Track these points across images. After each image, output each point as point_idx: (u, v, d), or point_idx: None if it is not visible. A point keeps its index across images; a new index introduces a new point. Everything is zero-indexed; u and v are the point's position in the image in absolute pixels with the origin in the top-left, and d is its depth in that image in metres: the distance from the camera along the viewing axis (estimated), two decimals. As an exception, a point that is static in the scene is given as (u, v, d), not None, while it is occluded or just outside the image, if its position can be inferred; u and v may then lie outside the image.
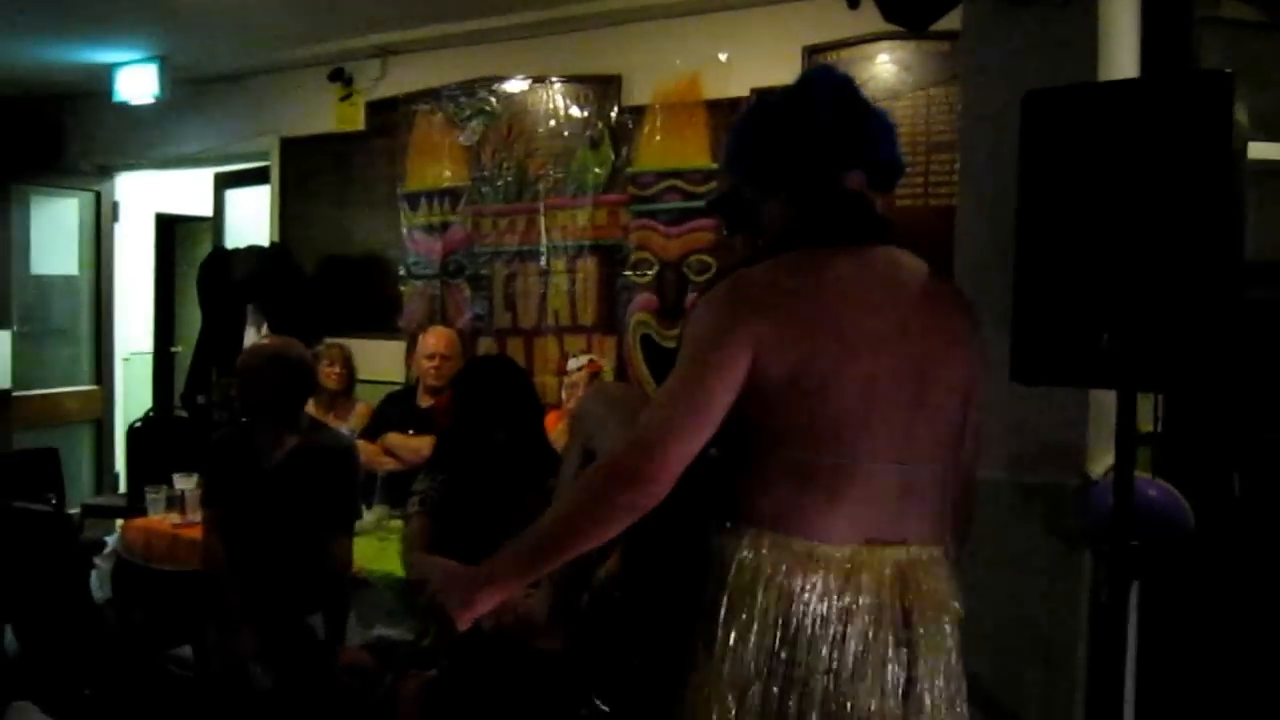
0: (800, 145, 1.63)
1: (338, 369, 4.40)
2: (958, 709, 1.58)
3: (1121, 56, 2.46)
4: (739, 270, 1.61)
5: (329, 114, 5.28)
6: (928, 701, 1.54)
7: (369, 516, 3.77)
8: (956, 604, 1.59)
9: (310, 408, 4.28)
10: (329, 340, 4.59)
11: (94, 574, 4.07)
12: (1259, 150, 2.32)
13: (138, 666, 2.92)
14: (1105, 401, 2.57)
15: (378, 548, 3.53)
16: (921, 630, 1.54)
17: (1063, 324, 2.07)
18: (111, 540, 4.85)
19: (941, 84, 3.71)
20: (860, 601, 1.50)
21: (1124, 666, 2.23)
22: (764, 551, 1.52)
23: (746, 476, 1.57)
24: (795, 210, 1.62)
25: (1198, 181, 1.89)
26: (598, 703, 2.51)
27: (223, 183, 6.21)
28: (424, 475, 2.80)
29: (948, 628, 1.58)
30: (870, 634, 1.50)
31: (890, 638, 1.51)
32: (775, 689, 1.49)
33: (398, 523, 3.70)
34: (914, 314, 1.59)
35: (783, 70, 3.99)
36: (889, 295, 1.58)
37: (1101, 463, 2.52)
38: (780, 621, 1.49)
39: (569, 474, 1.96)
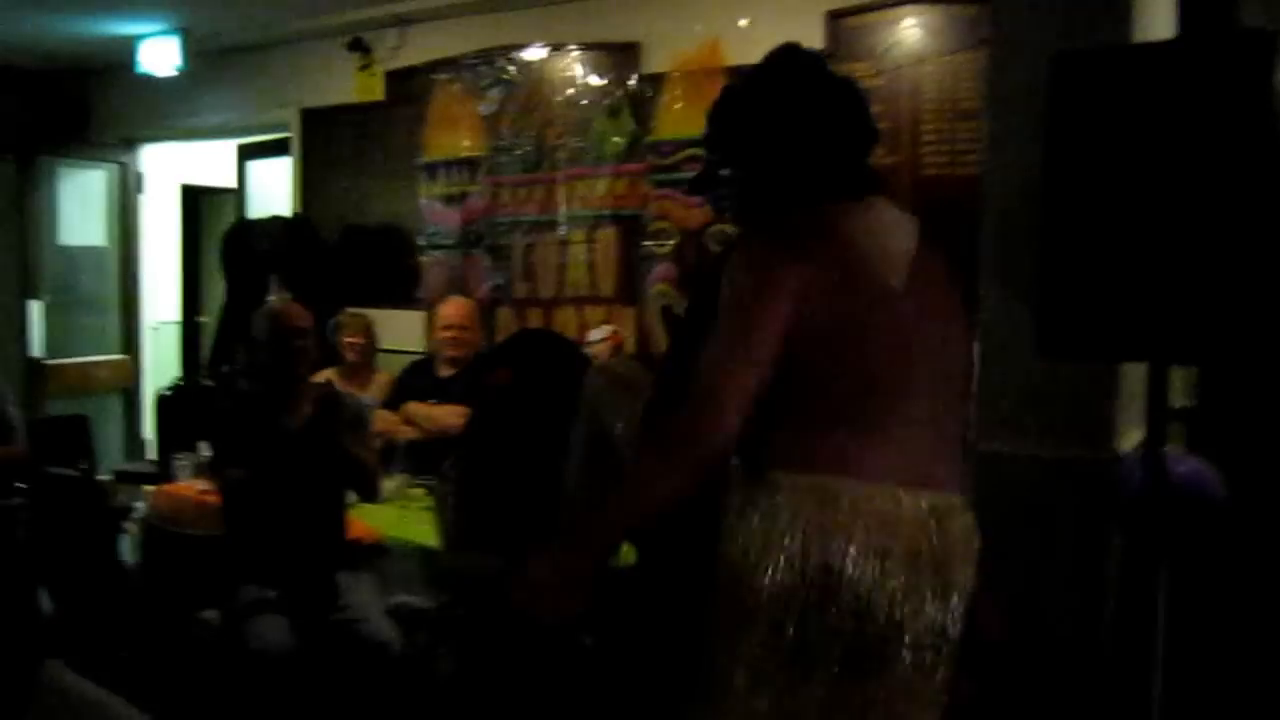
0: (780, 118, 1.65)
1: (360, 339, 4.34)
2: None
3: (1158, 17, 2.34)
4: (764, 226, 1.62)
5: (348, 84, 5.18)
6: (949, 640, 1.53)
7: (389, 484, 3.74)
8: (978, 547, 1.58)
9: (332, 376, 4.30)
10: (351, 310, 4.52)
11: (124, 538, 4.08)
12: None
13: (166, 629, 2.90)
14: (1135, 375, 2.47)
15: (398, 515, 3.50)
16: (953, 574, 1.52)
17: (1091, 296, 1.97)
18: (140, 506, 4.87)
19: (968, 50, 3.57)
20: (897, 545, 1.47)
21: (1155, 644, 2.16)
22: (798, 493, 1.49)
23: (778, 424, 1.52)
24: (790, 175, 1.63)
25: (1237, 147, 1.78)
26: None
27: (245, 154, 6.15)
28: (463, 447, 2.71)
29: (971, 574, 1.57)
30: (906, 577, 1.48)
31: (928, 582, 1.49)
32: (808, 630, 1.47)
33: (419, 490, 3.70)
34: (923, 264, 1.60)
35: (806, 35, 3.85)
36: (901, 245, 1.59)
37: (1130, 438, 2.43)
38: (815, 562, 1.46)
39: (577, 455, 1.91)
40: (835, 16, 3.83)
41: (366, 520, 3.41)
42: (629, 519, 1.57)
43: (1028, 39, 2.30)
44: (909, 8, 3.71)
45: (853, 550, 1.45)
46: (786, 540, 1.47)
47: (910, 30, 3.72)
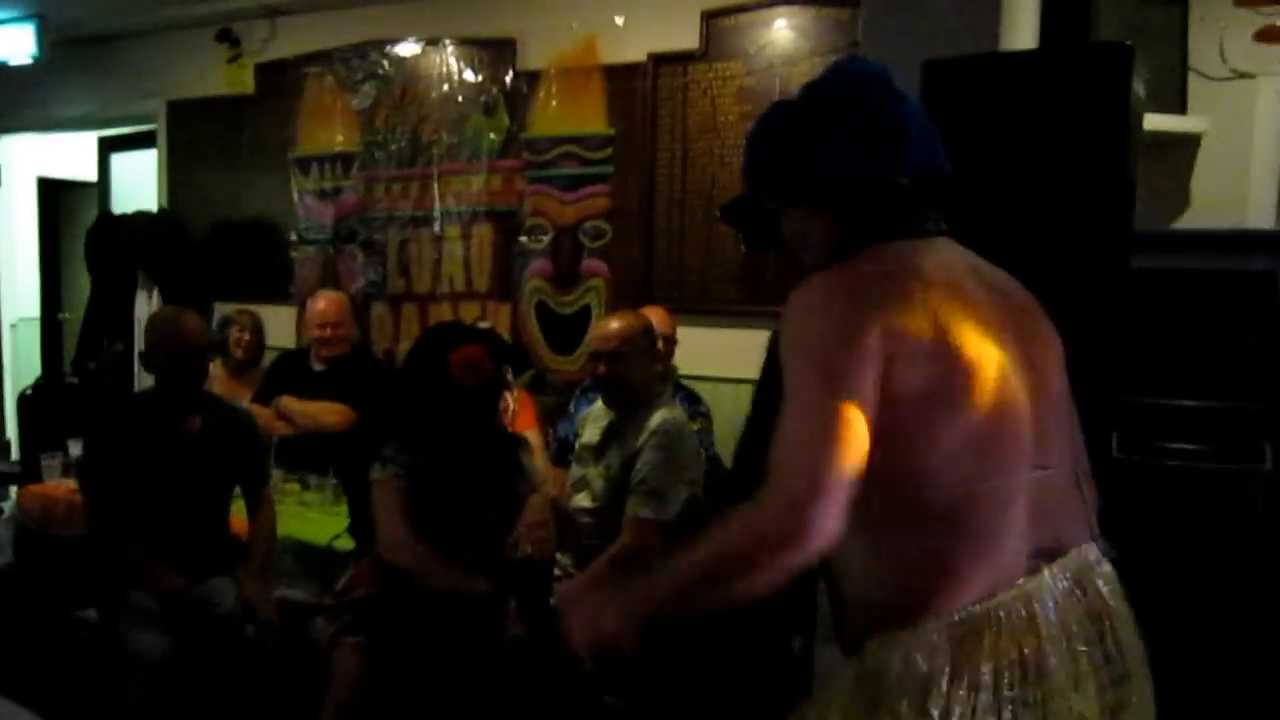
0: (824, 150, 1.32)
1: (248, 335, 4.09)
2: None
3: (1022, 28, 2.33)
4: (823, 273, 1.28)
5: (217, 76, 4.86)
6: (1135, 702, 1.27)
7: (262, 483, 3.53)
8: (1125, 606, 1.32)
9: (219, 373, 4.04)
10: (240, 307, 4.26)
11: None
12: (1154, 122, 2.22)
13: (44, 630, 2.68)
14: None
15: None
16: (1119, 629, 1.28)
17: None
18: (7, 507, 4.50)
19: (839, 51, 3.54)
20: (1045, 633, 1.20)
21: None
22: (903, 649, 1.20)
23: (864, 550, 1.24)
24: (836, 212, 1.33)
25: (1095, 152, 1.77)
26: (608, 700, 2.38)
27: (107, 146, 5.75)
28: (394, 444, 2.51)
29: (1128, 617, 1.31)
30: (1066, 657, 1.21)
31: (1095, 654, 1.24)
32: None
33: (293, 486, 3.54)
34: (1003, 300, 1.31)
35: (681, 34, 3.79)
36: (977, 281, 1.29)
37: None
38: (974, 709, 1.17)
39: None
40: (710, 16, 3.76)
41: (242, 516, 3.19)
42: (694, 602, 1.25)
43: (895, 46, 2.26)
44: (782, 9, 3.65)
45: (1006, 676, 1.18)
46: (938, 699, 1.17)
47: (782, 31, 3.67)
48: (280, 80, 4.71)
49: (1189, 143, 2.56)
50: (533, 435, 3.34)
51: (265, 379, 3.97)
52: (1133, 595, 1.32)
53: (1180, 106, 2.57)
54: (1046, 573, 1.22)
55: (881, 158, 1.31)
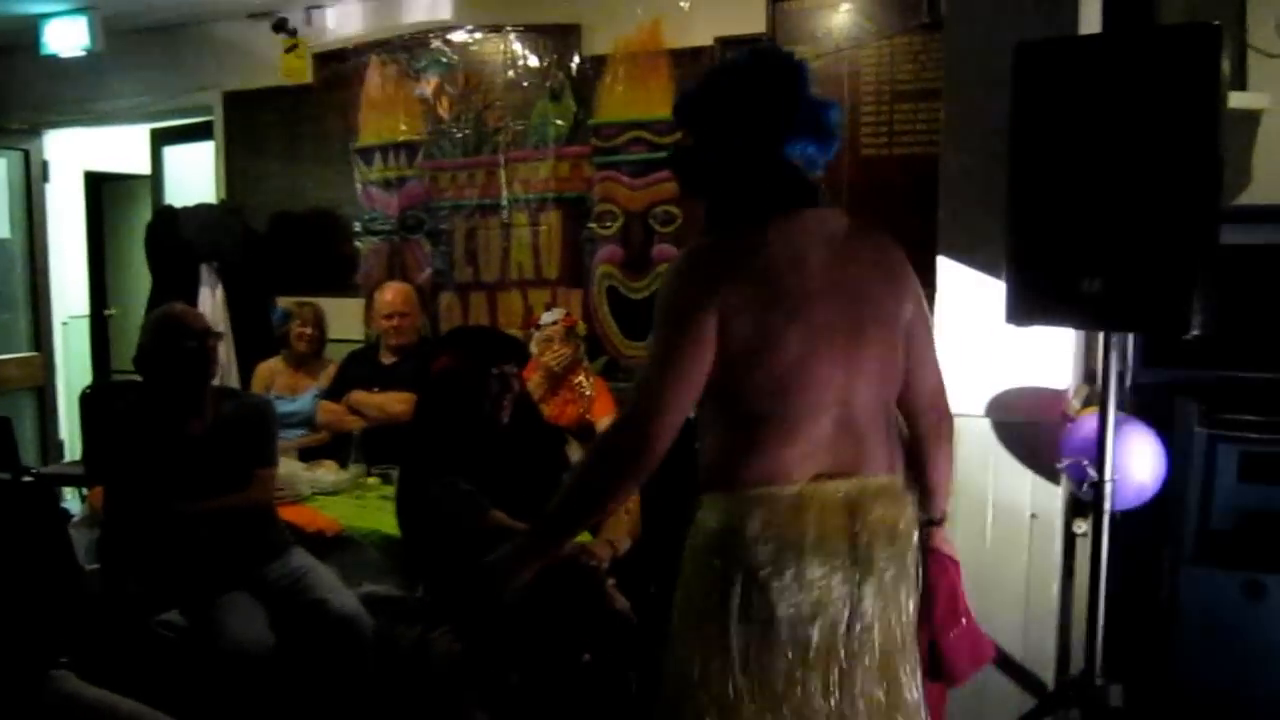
0: (753, 112, 1.73)
1: (309, 329, 4.30)
2: (896, 632, 1.72)
3: (1087, 6, 2.53)
4: (695, 243, 1.76)
5: (274, 66, 5.09)
6: (876, 628, 1.68)
7: (345, 475, 3.77)
8: (904, 526, 1.72)
9: (280, 366, 4.30)
10: (301, 300, 4.48)
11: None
12: (1237, 100, 2.42)
13: (129, 633, 2.89)
14: (1077, 344, 2.68)
15: (356, 506, 3.54)
16: (871, 555, 1.67)
17: (1054, 268, 2.16)
18: (77, 509, 4.75)
19: (905, 33, 3.75)
20: (809, 536, 1.64)
21: (1098, 604, 2.35)
22: (719, 510, 1.68)
23: (704, 439, 1.74)
24: (738, 181, 1.73)
25: (1186, 131, 1.97)
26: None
27: (160, 139, 6.01)
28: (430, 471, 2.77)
29: (896, 550, 1.71)
30: (822, 567, 1.64)
31: (840, 569, 1.65)
32: (743, 639, 1.64)
33: (374, 480, 3.74)
34: (845, 264, 1.71)
35: (747, 19, 3.99)
36: (822, 252, 1.70)
37: (1070, 404, 2.63)
38: (739, 574, 1.64)
39: None
40: (776, 0, 3.96)
41: (326, 512, 3.45)
42: (568, 522, 1.84)
43: (984, 23, 2.47)
44: (849, -7, 3.85)
45: (770, 552, 1.64)
46: (710, 559, 1.68)
47: (848, 14, 3.87)
48: (340, 69, 4.94)
49: (1250, 119, 2.74)
50: (610, 420, 3.57)
51: (336, 376, 4.19)
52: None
53: (1241, 84, 2.75)
54: (830, 484, 1.67)
55: (757, 146, 1.72)
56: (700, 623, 1.68)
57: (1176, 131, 2.00)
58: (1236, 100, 2.74)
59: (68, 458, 6.21)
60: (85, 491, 4.73)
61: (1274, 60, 2.79)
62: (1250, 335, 2.65)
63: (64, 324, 6.57)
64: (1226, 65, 1.97)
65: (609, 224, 4.39)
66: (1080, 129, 2.08)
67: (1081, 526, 2.68)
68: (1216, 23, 1.91)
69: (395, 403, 3.92)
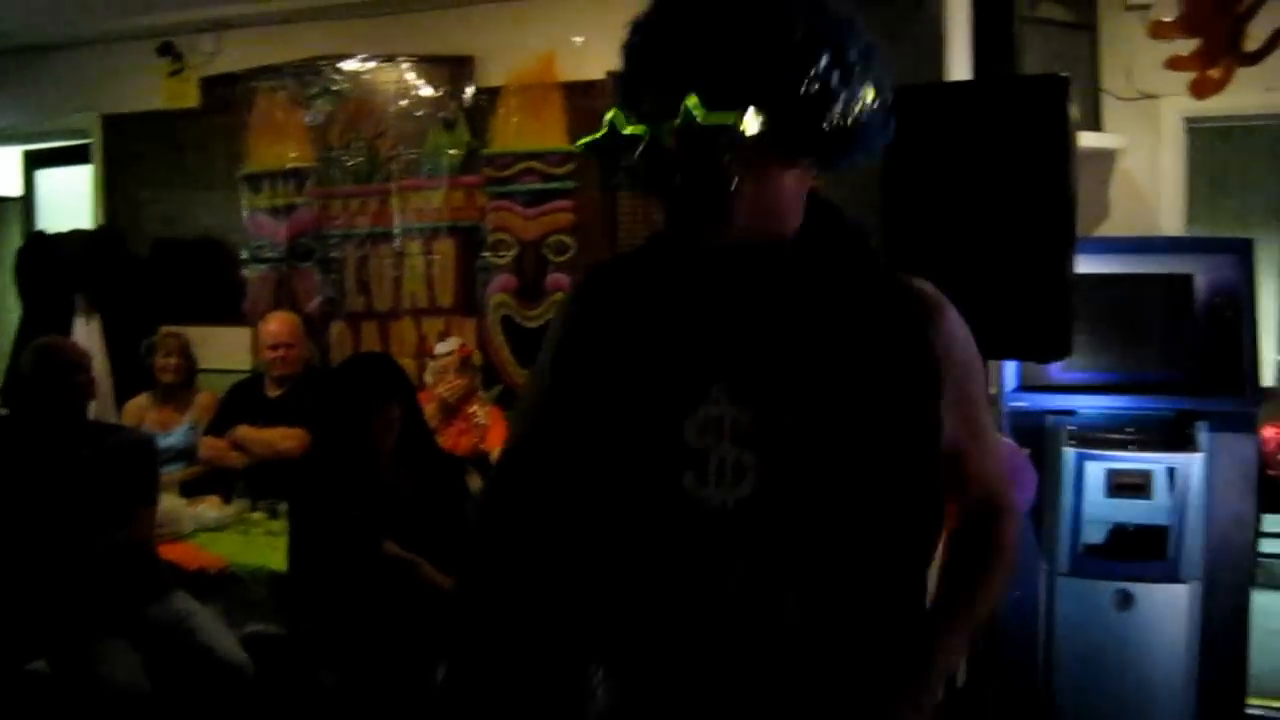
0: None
1: (174, 359, 4.19)
2: None
3: (954, 54, 2.72)
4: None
5: (156, 90, 5.04)
6: None
7: (229, 510, 3.73)
8: None
9: (148, 403, 4.19)
10: (164, 329, 4.36)
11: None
12: (1091, 140, 2.62)
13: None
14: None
15: (243, 542, 3.50)
16: None
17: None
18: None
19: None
20: None
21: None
22: None
23: None
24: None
25: (1041, 170, 2.14)
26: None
27: (33, 161, 5.85)
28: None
29: None
30: None
31: None
32: None
33: (259, 515, 3.70)
34: None
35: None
36: None
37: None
38: None
39: None
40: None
41: (210, 549, 3.40)
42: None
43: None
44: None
45: None
46: None
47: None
48: (227, 95, 4.89)
49: (1105, 158, 2.98)
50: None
51: (219, 409, 4.11)
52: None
53: (1096, 125, 3.00)
54: None
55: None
56: None
57: (1033, 171, 2.16)
58: (1090, 140, 2.97)
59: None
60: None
61: (1126, 103, 3.03)
62: (1108, 355, 2.86)
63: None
64: (1075, 110, 2.15)
65: (503, 253, 4.45)
66: (947, 169, 2.23)
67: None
68: (1064, 74, 2.09)
69: (283, 439, 3.87)
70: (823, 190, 1.27)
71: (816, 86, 1.12)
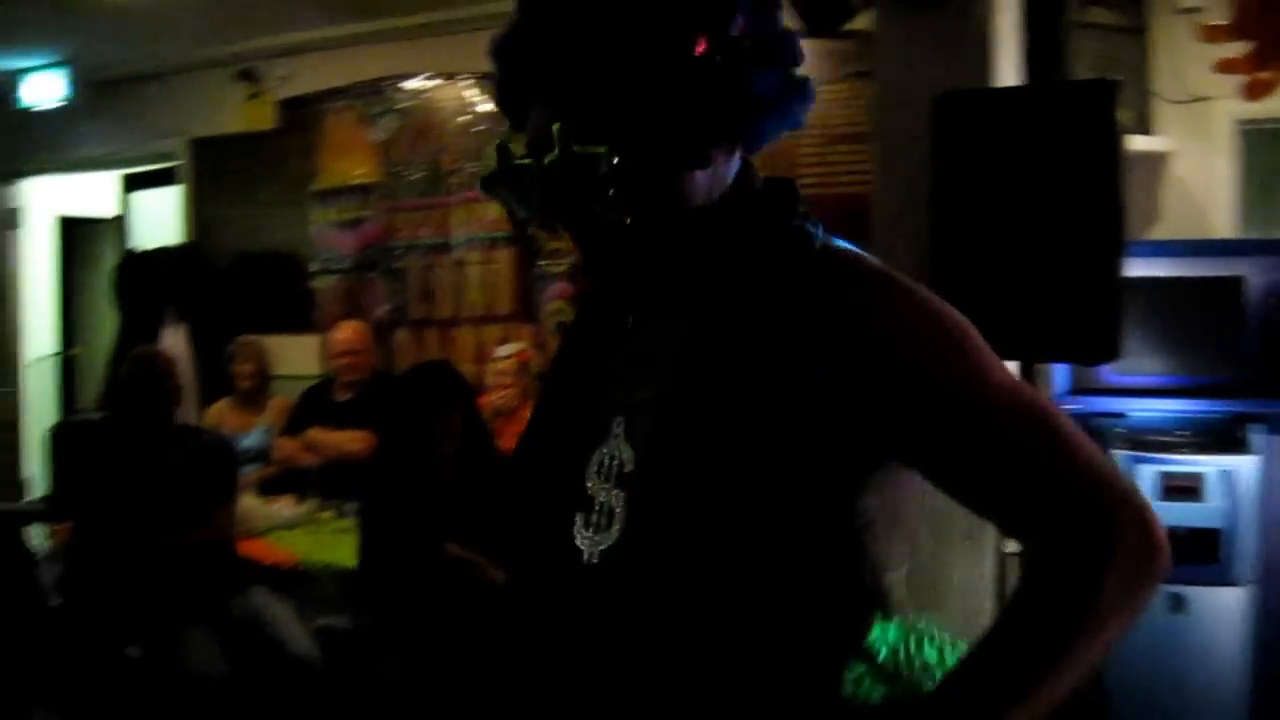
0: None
1: (250, 366, 4.27)
2: None
3: (1003, 59, 2.61)
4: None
5: (237, 113, 5.13)
6: None
7: (302, 509, 3.75)
8: None
9: (227, 407, 4.25)
10: (242, 338, 4.44)
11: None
12: (1142, 144, 2.50)
13: (96, 666, 2.86)
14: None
15: (313, 540, 3.50)
16: None
17: (974, 302, 2.20)
18: (43, 546, 4.66)
19: (839, 81, 3.82)
20: None
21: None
22: None
23: None
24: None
25: (1092, 174, 2.03)
26: None
27: (130, 184, 5.97)
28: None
29: None
30: None
31: None
32: None
33: (328, 514, 3.70)
34: None
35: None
36: None
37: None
38: None
39: None
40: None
41: (283, 546, 3.41)
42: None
43: (906, 74, 2.52)
44: (783, 38, 3.93)
45: None
46: None
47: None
48: (300, 115, 4.97)
49: (1155, 161, 2.84)
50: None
51: (293, 412, 4.17)
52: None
53: (1145, 129, 2.86)
54: None
55: None
56: None
57: (1083, 175, 2.06)
58: (1142, 144, 2.83)
59: (31, 495, 6.07)
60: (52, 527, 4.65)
61: (1177, 107, 2.89)
62: (1160, 358, 2.73)
63: (28, 365, 6.45)
64: (1125, 115, 2.04)
65: (559, 261, 4.42)
66: (996, 174, 2.14)
67: (1012, 546, 2.71)
68: (1115, 78, 1.98)
69: (350, 441, 3.89)
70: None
71: (700, 77, 0.92)
